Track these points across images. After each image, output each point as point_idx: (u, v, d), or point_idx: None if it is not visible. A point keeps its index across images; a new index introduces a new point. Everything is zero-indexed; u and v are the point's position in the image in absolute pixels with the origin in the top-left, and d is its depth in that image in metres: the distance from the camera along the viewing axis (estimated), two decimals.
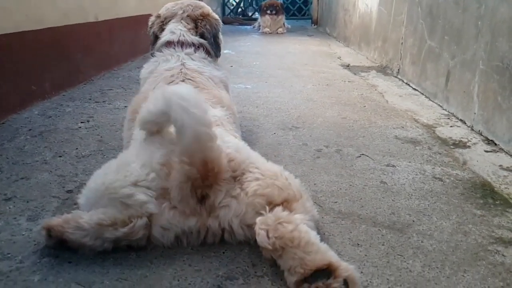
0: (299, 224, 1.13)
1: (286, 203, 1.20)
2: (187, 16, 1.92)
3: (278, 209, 1.17)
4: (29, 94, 2.57)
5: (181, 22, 1.90)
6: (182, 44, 1.83)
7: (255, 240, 1.18)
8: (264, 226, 1.13)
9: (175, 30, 1.87)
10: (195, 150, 1.13)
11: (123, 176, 1.19)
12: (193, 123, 1.11)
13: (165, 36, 1.87)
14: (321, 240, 1.14)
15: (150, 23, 1.97)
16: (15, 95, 2.44)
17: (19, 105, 2.47)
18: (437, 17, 2.92)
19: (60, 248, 1.19)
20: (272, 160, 1.80)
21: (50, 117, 2.42)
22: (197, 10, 1.94)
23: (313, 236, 1.12)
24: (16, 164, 1.78)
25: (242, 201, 1.20)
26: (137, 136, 1.44)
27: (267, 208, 1.18)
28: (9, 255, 1.20)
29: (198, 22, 1.92)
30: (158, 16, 1.96)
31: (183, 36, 1.85)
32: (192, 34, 1.89)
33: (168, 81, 1.64)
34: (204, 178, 1.16)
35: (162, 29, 1.91)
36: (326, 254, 1.08)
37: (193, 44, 1.85)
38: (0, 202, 1.47)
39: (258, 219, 1.16)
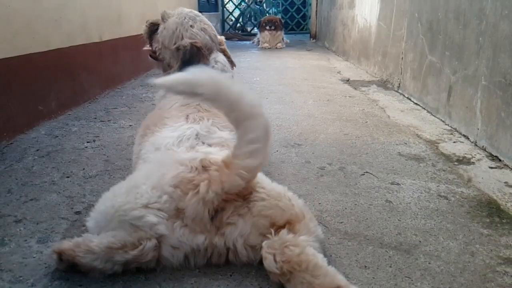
0: (306, 247, 1.14)
1: (289, 225, 1.21)
2: (220, 46, 1.95)
3: (284, 232, 1.18)
4: (36, 114, 2.60)
5: (220, 53, 1.92)
6: None
7: (259, 262, 1.19)
8: (271, 250, 1.14)
9: (219, 59, 1.89)
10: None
11: (134, 198, 1.21)
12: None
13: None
14: (329, 262, 1.15)
15: (188, 50, 1.82)
16: (23, 115, 2.47)
17: (26, 125, 2.50)
18: (438, 32, 2.96)
19: (71, 272, 1.20)
20: (275, 179, 1.83)
21: (57, 137, 2.45)
22: (218, 39, 1.97)
23: (321, 259, 1.13)
24: (25, 185, 1.80)
25: (248, 221, 1.21)
26: (146, 154, 1.46)
27: (273, 231, 1.19)
28: (21, 278, 1.21)
29: (225, 53, 1.97)
30: (199, 47, 1.84)
31: (225, 67, 1.90)
32: (230, 67, 1.94)
33: (184, 103, 1.66)
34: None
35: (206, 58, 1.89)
36: (334, 277, 1.09)
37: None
38: (11, 224, 1.49)
39: (265, 243, 1.17)
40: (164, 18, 1.91)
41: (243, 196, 1.23)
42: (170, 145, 1.40)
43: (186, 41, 1.83)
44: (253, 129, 1.14)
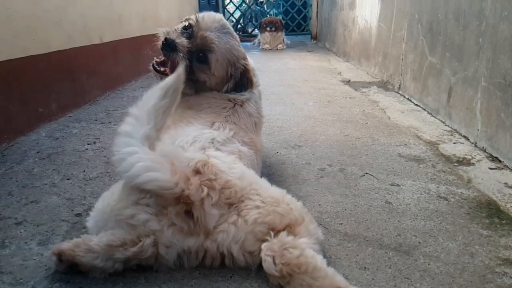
0: (305, 249, 1.15)
1: (289, 228, 1.21)
2: None
3: (283, 234, 1.18)
4: (36, 116, 2.61)
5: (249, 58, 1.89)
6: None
7: (257, 266, 1.20)
8: (270, 253, 1.15)
9: (255, 71, 1.89)
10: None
11: (126, 194, 1.22)
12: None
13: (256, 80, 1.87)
14: (328, 263, 1.16)
15: (240, 72, 1.77)
16: (23, 117, 2.47)
17: (27, 127, 2.50)
18: (438, 33, 2.96)
19: (71, 272, 1.20)
20: (275, 181, 1.85)
21: (57, 139, 2.45)
22: None
23: (320, 260, 1.14)
24: (26, 188, 1.80)
25: (241, 228, 1.20)
26: (160, 146, 1.47)
27: (272, 233, 1.19)
28: (21, 280, 1.21)
29: None
30: (248, 69, 1.81)
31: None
32: None
33: (217, 112, 1.65)
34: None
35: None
36: (334, 279, 1.09)
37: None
38: (12, 226, 1.49)
39: (264, 245, 1.17)
40: (211, 47, 1.68)
41: (228, 204, 1.23)
42: (184, 143, 1.41)
43: (240, 67, 1.76)
44: None
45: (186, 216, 1.19)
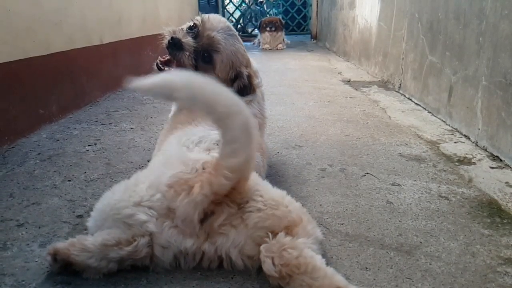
0: (304, 249, 1.15)
1: (287, 229, 1.21)
2: None
3: (281, 235, 1.18)
4: (37, 118, 2.61)
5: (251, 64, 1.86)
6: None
7: (257, 269, 1.20)
8: (269, 254, 1.15)
9: (260, 77, 1.87)
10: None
11: (128, 196, 1.22)
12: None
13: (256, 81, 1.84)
14: (330, 264, 1.16)
15: (243, 79, 1.75)
16: (24, 119, 2.48)
17: (27, 129, 2.50)
18: (438, 33, 2.96)
19: (66, 273, 1.20)
20: (276, 181, 1.85)
21: (58, 140, 2.45)
22: None
23: (319, 260, 1.14)
24: (27, 189, 1.80)
25: (241, 232, 1.20)
26: (166, 146, 1.48)
27: (270, 235, 1.19)
28: (23, 282, 1.21)
29: None
30: (251, 76, 1.79)
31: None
32: None
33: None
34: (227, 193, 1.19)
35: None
36: (333, 278, 1.09)
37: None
38: (13, 228, 1.49)
39: (263, 247, 1.17)
40: (217, 48, 1.68)
41: (238, 204, 1.22)
42: (189, 143, 1.41)
43: (244, 71, 1.73)
44: (231, 128, 1.12)
45: (196, 219, 1.19)
